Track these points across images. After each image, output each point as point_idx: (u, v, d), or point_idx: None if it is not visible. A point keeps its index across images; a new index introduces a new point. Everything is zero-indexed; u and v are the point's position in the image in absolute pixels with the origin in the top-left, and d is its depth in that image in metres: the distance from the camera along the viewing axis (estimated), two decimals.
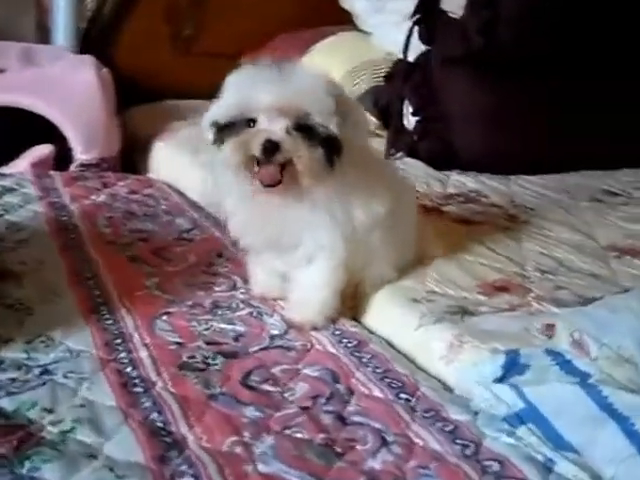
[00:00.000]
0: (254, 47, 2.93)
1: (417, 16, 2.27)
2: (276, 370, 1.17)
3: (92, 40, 2.67)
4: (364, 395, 1.12)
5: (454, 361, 1.21)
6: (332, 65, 2.62)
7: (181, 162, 2.26)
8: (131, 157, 2.45)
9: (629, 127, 2.31)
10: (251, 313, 1.35)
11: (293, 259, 1.32)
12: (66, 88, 2.18)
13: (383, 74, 2.50)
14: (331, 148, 1.22)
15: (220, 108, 1.26)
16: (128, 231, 1.71)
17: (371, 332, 1.34)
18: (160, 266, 1.54)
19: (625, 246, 1.69)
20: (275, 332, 1.29)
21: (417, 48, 2.36)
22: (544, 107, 2.26)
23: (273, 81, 1.22)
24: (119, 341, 1.21)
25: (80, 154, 2.19)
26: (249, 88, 1.22)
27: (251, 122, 1.22)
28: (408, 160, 2.20)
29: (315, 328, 1.30)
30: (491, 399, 1.08)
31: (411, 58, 2.35)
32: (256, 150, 1.20)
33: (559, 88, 2.25)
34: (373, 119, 2.43)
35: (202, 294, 1.42)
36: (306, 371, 1.17)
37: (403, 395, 1.12)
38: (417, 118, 2.29)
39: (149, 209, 1.89)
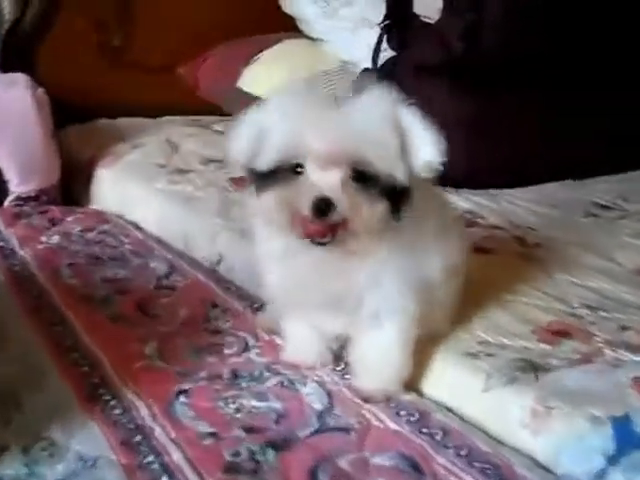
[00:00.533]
0: (190, 58, 2.70)
1: (387, 21, 2.08)
2: (343, 462, 0.95)
3: (12, 54, 2.37)
4: None
5: (542, 432, 1.02)
6: (280, 76, 2.42)
7: (132, 191, 2.00)
8: (67, 185, 2.16)
9: (611, 135, 2.18)
10: (282, 383, 1.13)
11: (353, 320, 1.10)
12: None
13: (344, 85, 2.29)
14: (397, 199, 1.00)
15: (258, 148, 1.00)
16: (99, 281, 1.45)
17: (424, 397, 1.14)
18: (150, 326, 1.29)
19: None
20: (318, 406, 1.07)
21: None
22: (525, 117, 2.10)
23: (325, 119, 0.98)
24: (139, 438, 0.97)
25: (16, 187, 1.91)
26: (296, 125, 0.98)
27: (297, 168, 0.98)
28: None
29: (388, 398, 1.09)
30: None
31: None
32: (305, 208, 0.96)
33: (542, 97, 2.09)
34: None
35: (214, 361, 1.18)
36: (377, 460, 0.96)
37: None
38: None
39: (113, 251, 1.63)
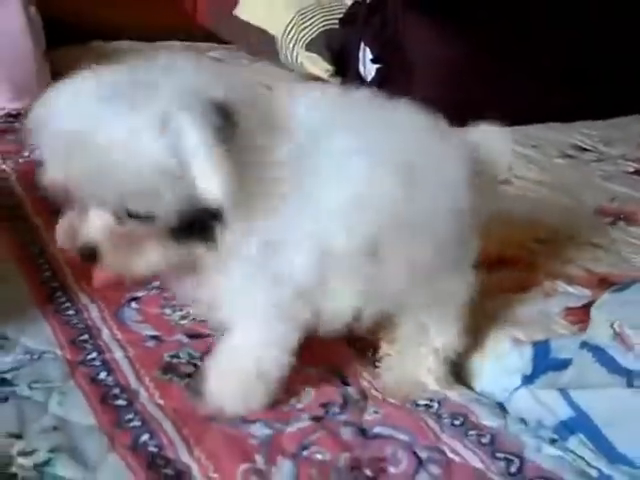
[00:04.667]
0: None
1: None
2: None
3: None
4: (379, 401, 0.98)
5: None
6: (278, 6, 2.43)
7: None
8: None
9: (599, 77, 2.20)
10: None
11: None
12: None
13: (337, 17, 2.31)
14: (205, 227, 0.81)
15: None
16: None
17: None
18: None
19: (614, 210, 1.58)
20: None
21: None
22: (512, 56, 2.11)
23: (71, 141, 0.78)
24: (86, 337, 1.03)
25: (8, 102, 1.94)
26: (52, 146, 0.82)
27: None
28: None
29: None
30: (528, 401, 0.96)
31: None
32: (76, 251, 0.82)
33: (530, 36, 2.11)
34: (325, 64, 2.28)
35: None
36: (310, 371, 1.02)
37: (421, 400, 0.98)
38: (377, 66, 2.12)
39: None
